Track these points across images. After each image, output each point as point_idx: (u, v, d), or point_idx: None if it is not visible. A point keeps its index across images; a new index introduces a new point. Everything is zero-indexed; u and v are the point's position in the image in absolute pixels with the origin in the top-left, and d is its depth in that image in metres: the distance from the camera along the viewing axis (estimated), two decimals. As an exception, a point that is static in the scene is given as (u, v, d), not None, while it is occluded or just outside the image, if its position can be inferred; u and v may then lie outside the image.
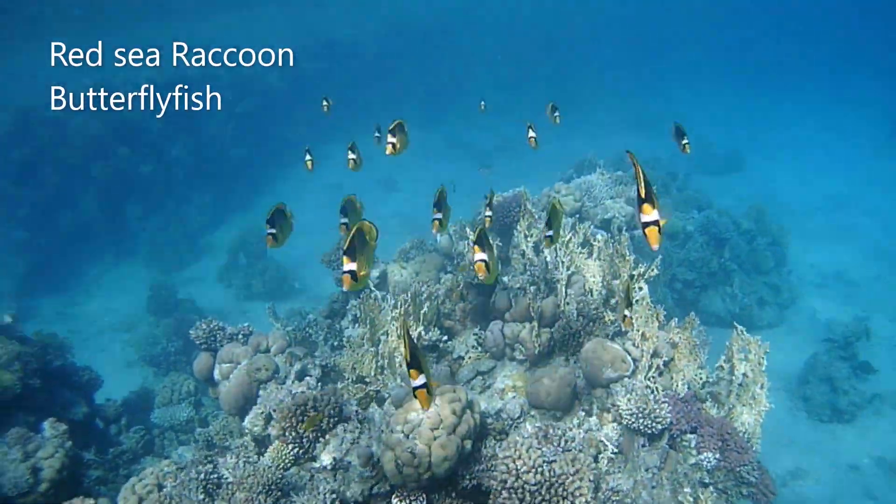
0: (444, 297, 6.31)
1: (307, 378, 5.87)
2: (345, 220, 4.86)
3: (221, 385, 6.13)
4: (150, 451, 8.56)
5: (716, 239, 13.14)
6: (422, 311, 5.80)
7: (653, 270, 6.07)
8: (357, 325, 6.86)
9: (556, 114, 6.35)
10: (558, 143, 18.52)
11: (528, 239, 6.51)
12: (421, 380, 3.57)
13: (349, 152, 5.58)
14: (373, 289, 6.35)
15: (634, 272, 6.06)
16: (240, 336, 6.51)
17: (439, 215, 4.62)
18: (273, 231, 4.43)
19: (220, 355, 6.31)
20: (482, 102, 8.34)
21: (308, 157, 6.25)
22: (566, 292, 6.00)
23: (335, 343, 7.06)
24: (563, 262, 6.11)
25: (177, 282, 15.85)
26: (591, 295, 6.00)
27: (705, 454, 5.14)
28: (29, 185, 17.95)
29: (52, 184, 18.12)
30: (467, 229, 6.94)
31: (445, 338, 6.10)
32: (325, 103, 7.08)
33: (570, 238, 6.26)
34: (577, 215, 7.02)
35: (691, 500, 4.72)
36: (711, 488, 5.04)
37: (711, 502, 4.94)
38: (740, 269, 12.97)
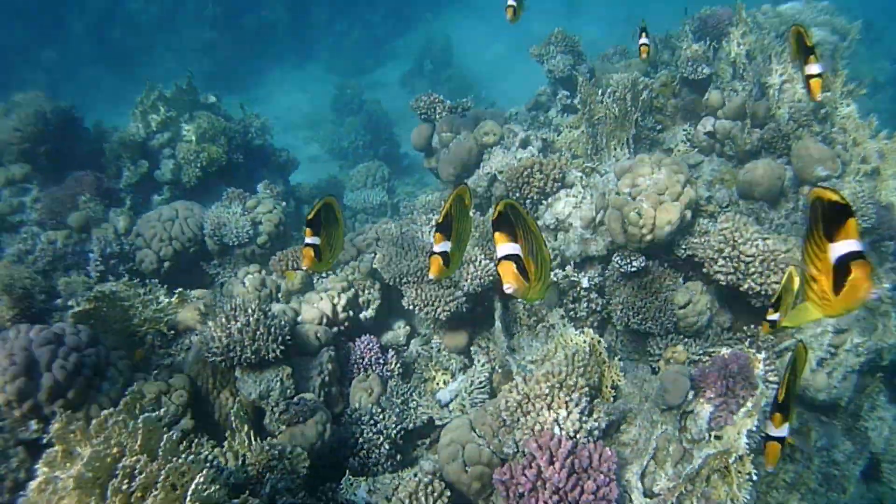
0: (658, 91, 6.56)
1: (530, 147, 6.32)
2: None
3: (441, 153, 6.62)
4: (342, 231, 9.29)
5: (909, 91, 12.73)
6: (641, 98, 6.11)
7: (862, 90, 6.18)
8: (565, 114, 7.23)
9: None
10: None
11: (742, 46, 6.62)
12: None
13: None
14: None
15: (844, 88, 6.17)
16: (459, 109, 6.95)
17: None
18: None
19: (439, 125, 6.78)
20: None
21: None
22: (778, 97, 6.18)
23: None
24: (776, 70, 6.26)
25: (361, 85, 16.24)
26: (802, 102, 6.15)
27: (907, 258, 5.38)
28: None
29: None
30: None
31: (660, 126, 6.43)
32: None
33: (784, 49, 6.37)
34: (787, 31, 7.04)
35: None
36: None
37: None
38: (935, 122, 12.56)
